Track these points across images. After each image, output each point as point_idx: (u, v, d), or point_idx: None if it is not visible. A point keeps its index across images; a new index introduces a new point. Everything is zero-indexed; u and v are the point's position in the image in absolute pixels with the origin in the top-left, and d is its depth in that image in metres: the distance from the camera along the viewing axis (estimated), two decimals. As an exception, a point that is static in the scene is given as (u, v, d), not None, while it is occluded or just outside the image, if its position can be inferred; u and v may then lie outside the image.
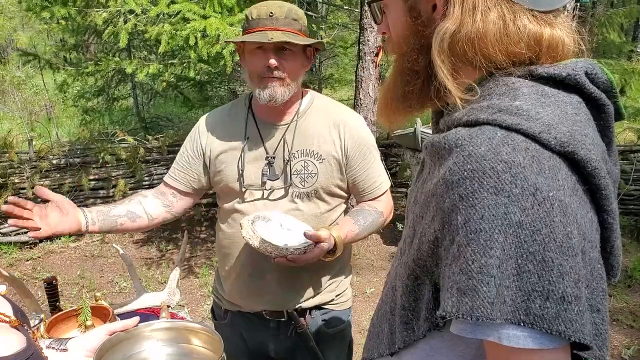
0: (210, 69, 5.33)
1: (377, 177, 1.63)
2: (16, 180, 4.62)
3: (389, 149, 5.29)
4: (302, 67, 1.52)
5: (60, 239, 4.93)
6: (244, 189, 1.57)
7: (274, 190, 1.57)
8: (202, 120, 1.66)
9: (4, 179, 4.54)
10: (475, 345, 0.78)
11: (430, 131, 4.22)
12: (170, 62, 4.43)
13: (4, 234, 4.67)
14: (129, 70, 4.29)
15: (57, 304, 1.74)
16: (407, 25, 0.81)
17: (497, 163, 0.64)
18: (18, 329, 0.81)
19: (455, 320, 0.67)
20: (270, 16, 1.43)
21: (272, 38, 1.38)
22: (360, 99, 4.17)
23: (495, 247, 0.62)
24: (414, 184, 0.94)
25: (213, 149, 1.60)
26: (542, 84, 0.72)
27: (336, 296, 1.69)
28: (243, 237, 1.39)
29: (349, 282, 1.76)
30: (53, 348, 0.96)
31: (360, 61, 4.14)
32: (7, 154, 4.60)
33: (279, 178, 1.56)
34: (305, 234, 1.40)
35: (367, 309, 3.78)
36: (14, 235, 4.71)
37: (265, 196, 1.58)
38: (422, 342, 0.85)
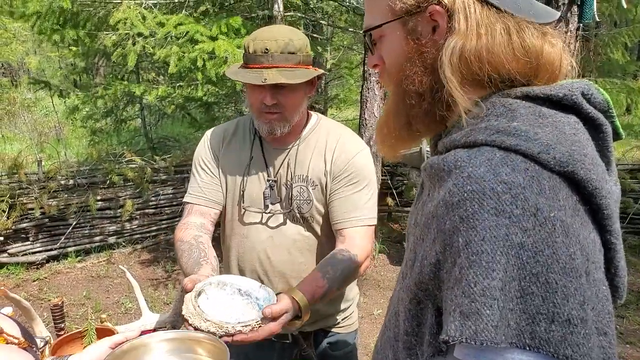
0: (217, 90, 5.39)
1: (357, 208, 1.49)
2: (25, 201, 4.66)
3: (394, 168, 5.30)
4: (304, 96, 1.50)
5: (67, 259, 4.95)
6: (243, 211, 1.56)
7: (274, 215, 1.55)
8: (209, 133, 1.65)
9: (13, 200, 4.58)
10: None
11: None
12: (178, 84, 4.49)
13: (11, 255, 4.69)
14: (137, 93, 4.35)
15: (63, 325, 1.74)
16: (409, 48, 0.82)
17: (496, 184, 0.64)
18: (27, 350, 0.81)
19: (459, 344, 0.66)
20: (265, 53, 1.40)
21: (265, 79, 1.37)
22: (365, 118, 4.19)
23: (498, 269, 0.61)
24: (414, 206, 0.93)
25: (222, 162, 1.59)
26: (539, 105, 0.72)
27: (342, 319, 1.68)
28: (183, 316, 1.18)
29: (355, 305, 1.75)
30: None
31: (365, 82, 4.18)
32: (17, 175, 4.65)
33: (279, 202, 1.55)
34: (263, 313, 1.17)
35: (375, 330, 3.73)
36: (22, 255, 4.73)
37: (264, 221, 1.56)
38: None
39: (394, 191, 5.26)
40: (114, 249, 5.23)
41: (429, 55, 0.78)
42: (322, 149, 1.54)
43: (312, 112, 1.63)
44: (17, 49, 12.96)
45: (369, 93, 4.16)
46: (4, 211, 4.49)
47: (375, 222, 1.53)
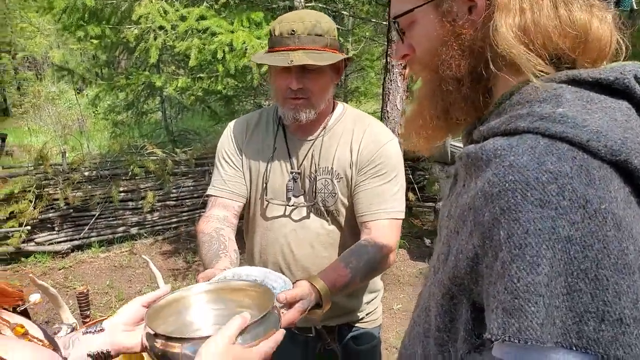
0: (237, 83, 5.39)
1: (385, 201, 1.44)
2: (50, 191, 4.74)
3: (416, 162, 5.24)
4: (330, 82, 1.46)
5: (91, 249, 5.03)
6: (266, 203, 1.54)
7: (297, 207, 1.52)
8: (232, 125, 1.62)
9: (39, 190, 4.66)
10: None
11: (461, 145, 4.15)
12: (198, 76, 4.50)
13: (38, 244, 4.78)
14: (158, 84, 4.38)
15: (88, 312, 1.76)
16: (444, 31, 0.78)
17: (541, 173, 0.61)
18: (52, 352, 0.80)
19: (500, 343, 0.63)
20: (291, 34, 1.36)
21: (292, 61, 1.33)
22: (387, 111, 4.15)
23: (543, 264, 0.58)
24: (446, 198, 0.90)
25: (244, 154, 1.57)
26: (587, 90, 0.68)
27: (366, 314, 1.66)
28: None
29: (379, 300, 1.73)
30: (90, 332, 0.95)
31: (388, 74, 4.13)
32: (42, 166, 4.73)
33: (303, 195, 1.53)
34: (278, 299, 1.10)
35: (394, 325, 3.71)
36: (48, 244, 4.82)
37: (287, 213, 1.53)
38: None
39: (415, 186, 5.20)
40: (136, 240, 5.29)
41: (467, 37, 0.75)
42: (348, 139, 1.51)
43: (337, 102, 1.59)
44: (41, 42, 13.18)
45: (391, 85, 4.11)
46: (30, 201, 4.58)
47: (403, 215, 1.49)
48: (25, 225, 4.58)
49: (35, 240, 4.77)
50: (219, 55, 3.70)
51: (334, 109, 1.56)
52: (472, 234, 0.70)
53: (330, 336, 1.60)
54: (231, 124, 1.65)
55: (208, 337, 0.84)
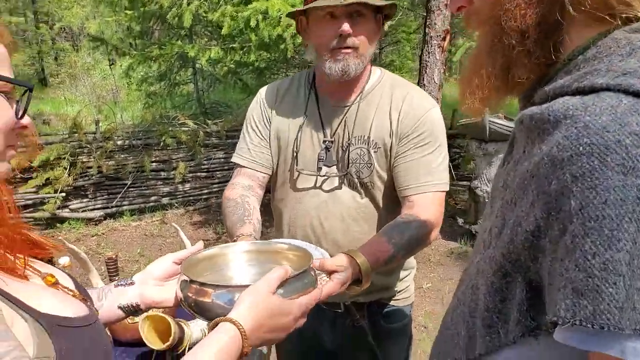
0: (269, 55, 5.32)
1: (428, 173, 1.35)
2: (84, 159, 4.81)
3: (452, 139, 5.08)
4: (375, 35, 1.37)
5: (122, 217, 5.11)
6: (296, 174, 1.47)
7: (328, 178, 1.45)
8: (263, 91, 1.55)
9: (73, 158, 4.73)
10: (574, 355, 0.66)
11: (500, 121, 4.01)
12: (230, 46, 4.44)
13: (72, 210, 4.88)
14: (191, 54, 4.34)
15: (117, 278, 1.75)
16: None
17: (624, 136, 0.52)
18: (81, 302, 0.80)
19: (568, 326, 0.56)
20: None
21: (343, 1, 1.24)
22: (424, 85, 4.00)
23: (625, 239, 0.50)
24: (501, 167, 0.81)
25: (274, 122, 1.50)
26: None
27: (398, 292, 1.59)
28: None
29: (412, 278, 1.66)
30: (121, 285, 0.95)
31: (426, 45, 3.97)
32: (77, 134, 4.79)
33: (335, 165, 1.45)
34: (322, 266, 1.07)
35: (423, 304, 3.65)
36: (81, 212, 4.92)
37: (318, 184, 1.47)
38: (507, 349, 0.73)
39: (450, 164, 5.07)
40: (167, 210, 5.35)
41: None
42: (386, 106, 1.41)
43: (374, 67, 1.50)
44: (78, 13, 13.33)
45: (429, 58, 3.95)
46: (65, 169, 4.66)
47: (447, 187, 1.40)
48: (60, 192, 4.68)
49: (70, 206, 4.87)
50: (252, 24, 3.61)
51: (370, 74, 1.47)
52: (534, 204, 0.62)
53: (359, 313, 1.55)
54: (262, 90, 1.58)
55: (245, 286, 0.81)
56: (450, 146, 5.43)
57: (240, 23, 3.69)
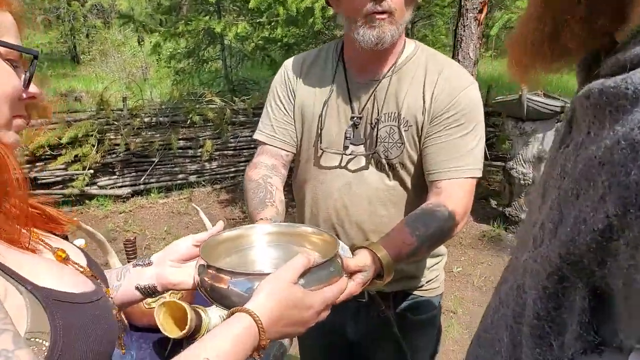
0: (298, 30, 5.18)
1: (461, 156, 1.23)
2: (112, 137, 4.82)
3: (486, 117, 4.86)
4: (411, 4, 1.24)
5: (150, 195, 5.13)
6: (320, 152, 1.37)
7: (355, 157, 1.35)
8: (288, 63, 1.45)
9: (101, 135, 4.74)
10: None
11: (539, 99, 3.80)
12: (258, 21, 4.32)
13: (100, 187, 4.92)
14: (217, 29, 4.24)
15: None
16: None
17: None
18: (90, 280, 0.77)
19: None
20: None
21: None
22: (458, 60, 3.80)
23: None
24: (556, 150, 0.69)
25: (298, 96, 1.40)
26: None
27: (427, 282, 1.49)
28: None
29: (442, 266, 1.55)
30: (139, 265, 0.93)
31: (461, 19, 3.76)
32: (104, 111, 4.79)
33: (363, 143, 1.34)
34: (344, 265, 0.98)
35: (453, 289, 3.53)
36: (109, 189, 4.96)
37: (344, 164, 1.37)
38: None
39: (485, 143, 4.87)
40: (194, 188, 5.35)
41: None
42: (420, 81, 1.29)
43: (408, 39, 1.37)
44: (109, -10, 13.35)
45: (464, 31, 3.74)
46: (93, 146, 4.68)
47: (480, 174, 1.27)
48: (88, 169, 4.71)
49: (98, 183, 4.91)
50: (280, -3, 3.48)
51: (404, 46, 1.34)
52: (604, 198, 0.50)
53: (385, 303, 1.45)
54: (287, 61, 1.47)
55: (265, 274, 0.77)
56: (484, 124, 5.22)
57: (267, -4, 3.56)
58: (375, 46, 1.22)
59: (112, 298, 0.86)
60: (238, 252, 0.96)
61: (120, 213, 4.76)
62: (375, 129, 1.31)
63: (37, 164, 4.59)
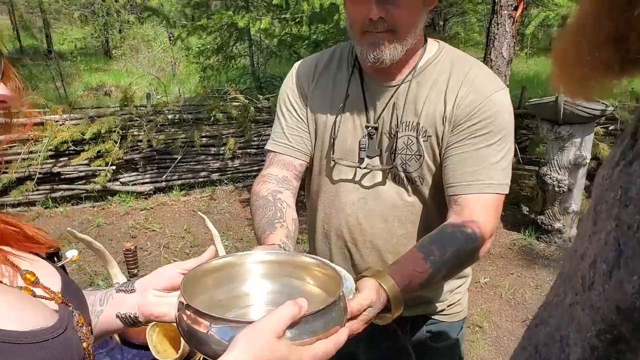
0: (325, 27, 5.06)
1: (484, 169, 1.10)
2: (135, 133, 4.79)
3: (520, 119, 4.63)
4: (422, 8, 1.10)
5: (172, 192, 5.09)
6: (332, 163, 1.25)
7: (371, 171, 1.23)
8: (299, 65, 1.34)
9: (124, 131, 4.72)
10: None
11: (577, 102, 3.56)
12: (282, 16, 4.21)
13: (123, 183, 4.91)
14: (241, 24, 4.16)
15: (136, 271, 1.61)
16: None
17: None
18: (60, 307, 0.68)
19: None
20: None
21: None
22: (491, 59, 3.61)
23: None
24: (610, 167, 0.54)
25: (310, 102, 1.28)
26: None
27: (448, 306, 1.35)
28: None
29: (466, 288, 1.40)
30: (122, 291, 0.86)
31: (495, 16, 3.55)
32: (127, 107, 4.77)
33: (379, 155, 1.22)
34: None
35: (479, 300, 3.35)
36: (132, 185, 4.94)
37: (358, 178, 1.24)
38: None
39: (517, 146, 4.64)
40: (216, 186, 5.29)
41: None
42: (442, 87, 1.15)
43: (430, 39, 1.23)
44: (142, -15, 13.48)
45: (498, 29, 3.54)
46: (115, 142, 4.66)
47: (507, 190, 1.13)
48: (111, 165, 4.70)
49: (120, 180, 4.90)
50: (304, -8, 3.36)
51: (425, 47, 1.20)
52: None
53: (401, 329, 1.32)
54: (297, 64, 1.35)
55: (249, 322, 0.68)
56: (517, 127, 4.99)
57: (291, -9, 3.44)
58: (374, 65, 1.11)
59: (84, 326, 0.76)
60: (229, 284, 0.85)
61: (142, 210, 4.74)
62: (394, 140, 1.18)
63: (61, 159, 4.60)
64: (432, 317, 1.36)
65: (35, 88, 8.72)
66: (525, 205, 4.58)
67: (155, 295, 0.85)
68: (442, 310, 1.36)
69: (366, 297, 0.88)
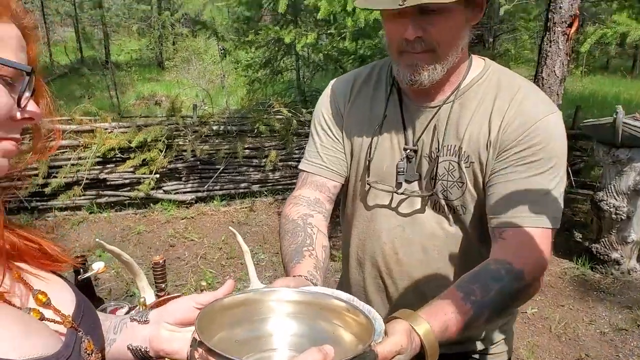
0: (371, 42, 5.01)
1: (531, 200, 1.01)
2: (180, 143, 4.88)
3: (573, 140, 4.39)
4: (464, 25, 1.02)
5: (213, 202, 5.13)
6: (367, 186, 1.18)
7: (408, 197, 1.14)
8: (334, 83, 1.28)
9: (169, 140, 4.81)
10: None
11: (637, 123, 3.33)
12: (328, 31, 4.19)
13: (165, 192, 4.99)
14: (287, 40, 4.18)
15: (163, 285, 1.58)
16: None
17: None
18: (68, 330, 0.66)
19: None
20: None
21: (404, 2, 0.92)
22: (542, 78, 3.44)
23: None
24: None
25: (346, 121, 1.22)
26: None
27: (492, 345, 1.23)
28: None
29: (512, 326, 1.29)
30: (136, 320, 0.84)
31: (548, 33, 3.39)
32: (174, 117, 4.87)
33: (417, 180, 1.14)
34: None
35: (527, 333, 3.15)
36: (174, 194, 5.02)
37: (394, 204, 1.16)
38: None
39: (570, 169, 4.39)
40: (256, 197, 5.30)
41: None
42: (487, 108, 1.07)
43: (476, 56, 1.15)
44: (197, 0, 13.94)
45: (550, 47, 3.37)
46: (160, 151, 4.75)
47: (558, 224, 1.02)
48: (155, 173, 4.79)
49: (163, 188, 4.98)
50: (349, 7, 3.33)
51: (469, 65, 1.11)
52: None
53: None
54: (333, 81, 1.29)
55: None
56: (570, 148, 4.74)
57: (336, 7, 3.42)
58: (412, 86, 1.05)
59: (93, 353, 0.72)
60: (250, 322, 0.78)
61: (182, 219, 4.79)
62: (434, 165, 1.09)
63: (108, 165, 4.73)
64: (473, 355, 1.25)
65: (92, 96, 9.11)
66: (579, 231, 4.31)
67: (167, 330, 0.81)
68: (484, 350, 1.25)
69: (396, 343, 0.79)
